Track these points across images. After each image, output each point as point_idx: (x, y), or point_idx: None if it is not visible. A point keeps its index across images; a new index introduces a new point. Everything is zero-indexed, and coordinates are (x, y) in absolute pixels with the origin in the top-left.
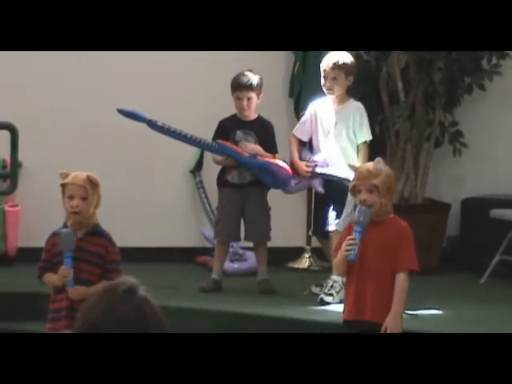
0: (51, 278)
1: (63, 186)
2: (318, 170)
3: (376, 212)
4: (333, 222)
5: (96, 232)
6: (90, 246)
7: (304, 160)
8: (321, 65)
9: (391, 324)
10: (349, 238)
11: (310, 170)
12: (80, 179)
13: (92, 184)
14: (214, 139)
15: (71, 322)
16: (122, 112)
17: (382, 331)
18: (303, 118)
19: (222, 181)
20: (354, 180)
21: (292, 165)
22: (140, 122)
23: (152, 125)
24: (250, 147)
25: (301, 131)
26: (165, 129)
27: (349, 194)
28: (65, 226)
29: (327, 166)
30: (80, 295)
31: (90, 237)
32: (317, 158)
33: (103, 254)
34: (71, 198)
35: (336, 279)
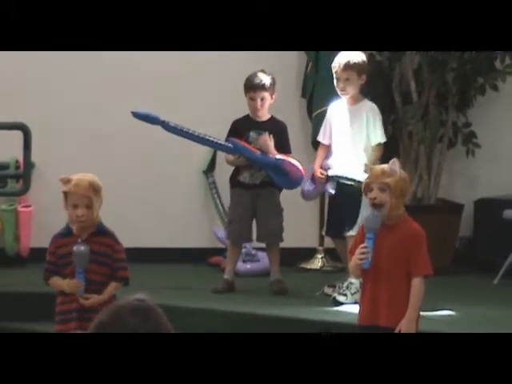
0: (59, 282)
1: (65, 193)
2: (330, 172)
3: (387, 215)
4: (349, 227)
5: (100, 231)
6: (95, 247)
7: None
8: (332, 66)
9: (405, 328)
10: (362, 246)
11: (322, 176)
12: (83, 187)
13: (95, 190)
14: (227, 139)
15: (82, 323)
16: (135, 115)
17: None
18: (324, 122)
19: (234, 181)
20: (367, 178)
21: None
22: (154, 125)
23: (166, 126)
24: (264, 140)
25: (322, 135)
26: (178, 129)
27: (363, 197)
28: (67, 227)
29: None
30: (91, 304)
31: (94, 237)
32: (330, 161)
33: (110, 253)
34: (75, 207)
35: (353, 281)
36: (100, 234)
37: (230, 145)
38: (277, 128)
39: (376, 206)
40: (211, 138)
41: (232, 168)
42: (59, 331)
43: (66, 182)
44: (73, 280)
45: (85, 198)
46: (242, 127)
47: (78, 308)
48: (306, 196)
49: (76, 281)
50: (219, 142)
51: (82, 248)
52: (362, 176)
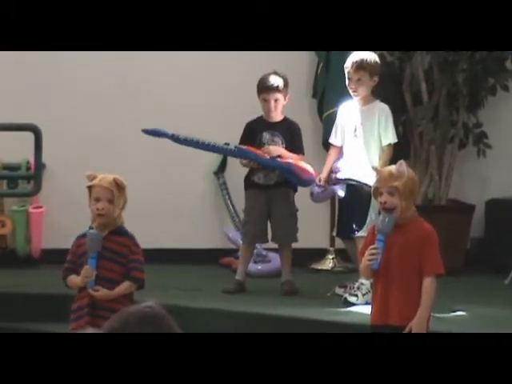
0: (75, 280)
1: (90, 188)
2: (339, 175)
3: (398, 216)
4: (358, 228)
5: (120, 232)
6: (113, 245)
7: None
8: (344, 66)
9: (416, 327)
10: (372, 247)
11: (322, 182)
12: (107, 182)
13: (118, 187)
14: (241, 141)
15: (93, 320)
16: (146, 132)
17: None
18: (335, 123)
19: (248, 182)
20: (375, 182)
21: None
22: (164, 138)
23: (175, 139)
24: (273, 149)
25: (334, 137)
26: (187, 141)
27: (372, 198)
28: (91, 228)
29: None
30: (101, 296)
31: (113, 236)
32: (340, 163)
33: (126, 254)
34: (97, 200)
35: (364, 282)
36: (120, 233)
37: (235, 150)
38: (290, 129)
39: (387, 209)
40: (218, 145)
41: (243, 169)
42: (72, 329)
43: (92, 178)
44: (85, 267)
45: (107, 191)
46: (256, 128)
47: (89, 303)
48: (315, 198)
49: (87, 267)
50: (226, 148)
51: (95, 232)
52: (371, 179)
